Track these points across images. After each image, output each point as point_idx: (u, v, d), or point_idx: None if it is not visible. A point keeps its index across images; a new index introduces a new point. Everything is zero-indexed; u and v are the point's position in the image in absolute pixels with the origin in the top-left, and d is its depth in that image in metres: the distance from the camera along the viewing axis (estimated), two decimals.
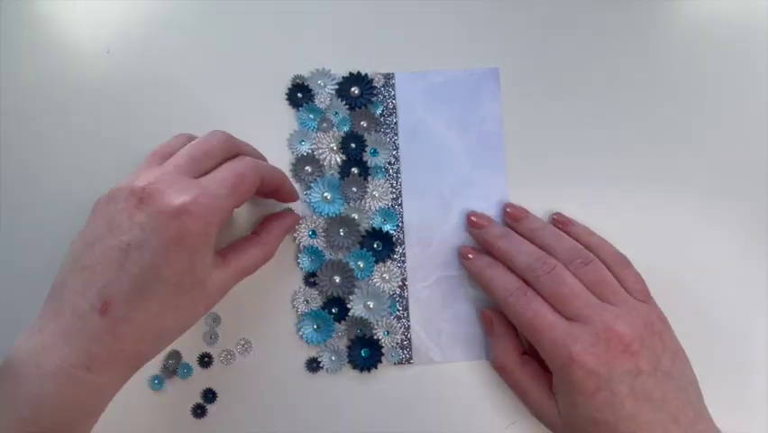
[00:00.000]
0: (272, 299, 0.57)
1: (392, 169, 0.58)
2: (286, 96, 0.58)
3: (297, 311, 0.56)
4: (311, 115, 0.58)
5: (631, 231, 0.57)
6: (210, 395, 0.56)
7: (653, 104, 0.59)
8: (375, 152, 0.58)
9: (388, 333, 0.56)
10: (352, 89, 0.58)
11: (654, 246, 0.57)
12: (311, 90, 0.58)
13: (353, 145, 0.57)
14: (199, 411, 0.56)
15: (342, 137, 0.58)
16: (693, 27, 0.60)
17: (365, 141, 0.57)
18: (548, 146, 0.59)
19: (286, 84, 0.58)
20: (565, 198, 0.58)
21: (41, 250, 0.56)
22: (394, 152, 0.58)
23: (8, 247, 0.56)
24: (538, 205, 0.58)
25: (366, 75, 0.58)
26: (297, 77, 0.58)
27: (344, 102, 0.58)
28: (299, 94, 0.58)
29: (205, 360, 0.56)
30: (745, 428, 0.55)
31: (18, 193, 0.57)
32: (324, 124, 0.58)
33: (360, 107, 0.58)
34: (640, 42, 0.60)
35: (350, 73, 0.58)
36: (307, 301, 0.57)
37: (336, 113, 0.58)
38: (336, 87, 0.58)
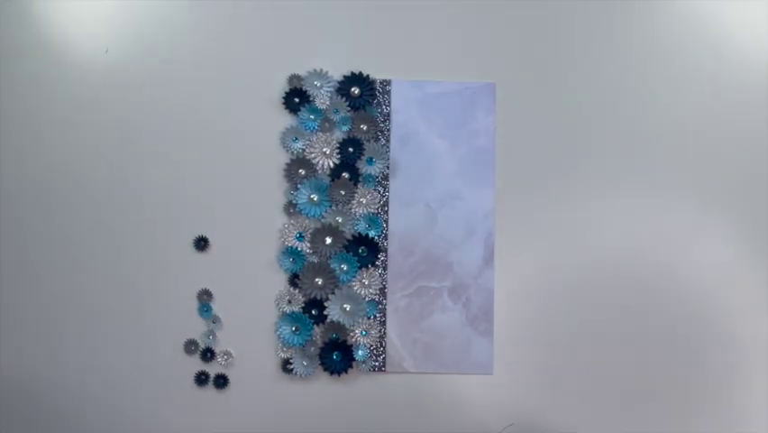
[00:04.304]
0: (259, 298, 0.58)
1: (381, 175, 0.58)
2: (283, 101, 0.58)
3: (280, 311, 0.57)
4: (311, 116, 0.58)
5: (629, 240, 0.57)
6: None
7: (648, 120, 0.58)
8: (371, 161, 0.58)
9: (365, 333, 0.56)
10: (352, 89, 0.58)
11: (653, 252, 0.57)
12: (307, 93, 0.58)
13: (351, 149, 0.58)
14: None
15: (342, 140, 0.58)
16: (687, 36, 0.59)
17: (363, 148, 0.58)
18: (540, 162, 0.58)
19: (283, 85, 0.59)
20: (555, 212, 0.58)
21: (41, 249, 0.58)
22: (389, 163, 0.58)
23: (8, 246, 0.58)
24: (527, 218, 0.57)
25: (368, 76, 0.58)
26: (293, 76, 0.58)
27: (345, 99, 0.58)
28: (296, 99, 0.58)
29: (208, 355, 0.57)
30: (745, 429, 0.55)
31: (18, 192, 0.58)
32: (326, 124, 0.58)
33: (360, 108, 0.58)
34: (636, 59, 0.59)
35: (351, 73, 0.58)
36: (290, 302, 0.57)
37: (336, 110, 0.58)
38: (332, 88, 0.58)
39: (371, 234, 0.57)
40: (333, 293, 0.57)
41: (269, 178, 0.58)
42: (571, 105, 0.59)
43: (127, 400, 0.57)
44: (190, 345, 0.57)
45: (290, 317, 0.57)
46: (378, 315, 0.57)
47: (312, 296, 0.57)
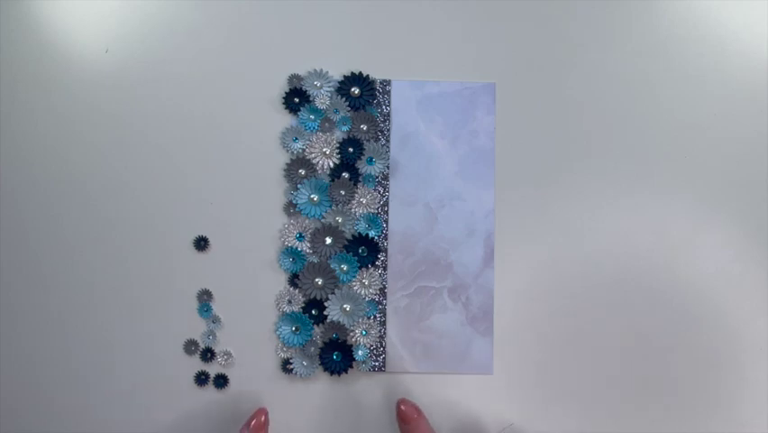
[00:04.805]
0: (259, 298, 0.58)
1: (381, 175, 0.58)
2: (283, 101, 0.58)
3: (280, 311, 0.57)
4: (311, 116, 0.58)
5: (629, 240, 0.57)
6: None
7: (648, 120, 0.58)
8: (371, 161, 0.58)
9: (365, 333, 0.56)
10: (352, 89, 0.58)
11: (653, 252, 0.57)
12: (307, 93, 0.58)
13: (351, 150, 0.58)
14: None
15: (342, 140, 0.58)
16: (690, 36, 0.59)
17: (363, 148, 0.58)
18: (539, 162, 0.58)
19: (283, 85, 0.59)
20: (555, 211, 0.58)
21: (40, 249, 0.58)
22: (389, 163, 0.58)
23: (7, 247, 0.58)
24: (527, 218, 0.57)
25: (367, 76, 0.58)
26: (293, 75, 0.58)
27: (345, 99, 0.58)
28: (296, 99, 0.58)
29: (208, 355, 0.58)
30: (745, 429, 0.55)
31: (18, 192, 0.58)
32: (327, 124, 0.58)
33: (360, 108, 0.58)
34: (636, 59, 0.59)
35: (351, 73, 0.58)
36: (290, 302, 0.57)
37: (336, 111, 0.58)
38: (332, 88, 0.58)
39: (371, 234, 0.57)
40: (333, 293, 0.57)
41: (269, 178, 0.58)
42: (571, 105, 0.59)
43: (127, 400, 0.57)
44: (190, 345, 0.57)
45: (290, 317, 0.57)
46: (378, 315, 0.57)
47: (312, 296, 0.57)
